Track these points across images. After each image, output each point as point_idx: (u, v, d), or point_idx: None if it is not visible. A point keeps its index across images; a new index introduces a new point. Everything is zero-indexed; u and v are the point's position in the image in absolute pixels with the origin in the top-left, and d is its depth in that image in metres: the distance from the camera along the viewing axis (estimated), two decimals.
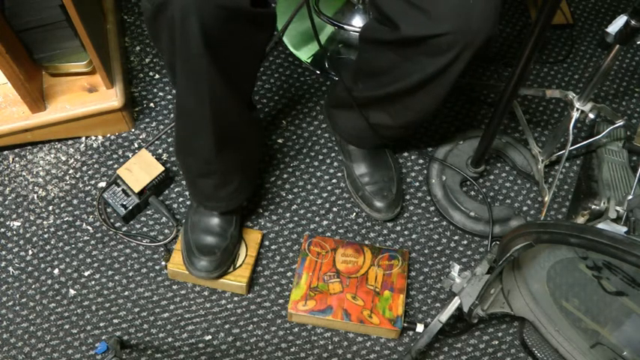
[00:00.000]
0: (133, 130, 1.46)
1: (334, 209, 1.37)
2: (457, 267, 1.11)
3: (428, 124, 1.48)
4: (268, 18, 0.99)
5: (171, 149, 1.43)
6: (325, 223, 1.35)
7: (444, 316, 1.10)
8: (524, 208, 1.38)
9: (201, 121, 1.02)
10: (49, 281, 1.28)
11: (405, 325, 1.20)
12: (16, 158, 1.43)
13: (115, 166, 1.41)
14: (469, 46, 0.94)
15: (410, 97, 1.09)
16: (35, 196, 1.38)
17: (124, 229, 1.34)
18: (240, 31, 0.93)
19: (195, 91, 0.98)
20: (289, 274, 1.30)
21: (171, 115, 1.48)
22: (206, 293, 1.27)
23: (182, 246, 1.25)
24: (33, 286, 1.28)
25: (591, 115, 1.20)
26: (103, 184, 1.39)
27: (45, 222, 1.35)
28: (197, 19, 0.85)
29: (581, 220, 1.04)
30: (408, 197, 1.39)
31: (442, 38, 0.94)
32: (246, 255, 1.28)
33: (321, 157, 1.43)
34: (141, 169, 1.33)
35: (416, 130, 1.45)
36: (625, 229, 0.94)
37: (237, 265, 1.26)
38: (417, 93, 1.07)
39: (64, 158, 1.43)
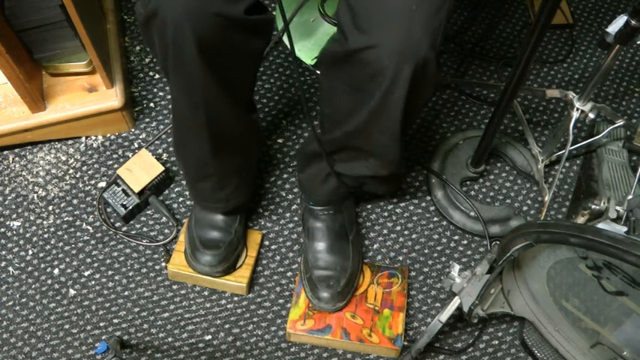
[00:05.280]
0: (133, 130, 1.46)
1: None
2: (457, 267, 1.11)
3: (428, 124, 1.48)
4: (265, 24, 0.98)
5: (171, 149, 1.43)
6: None
7: (444, 316, 1.10)
8: (524, 208, 1.38)
9: (195, 127, 1.02)
10: (49, 281, 1.28)
11: (405, 343, 1.19)
12: (16, 158, 1.43)
13: (115, 166, 1.41)
14: (404, 62, 0.87)
15: (365, 137, 1.02)
16: (35, 196, 1.38)
17: (124, 229, 1.34)
18: (236, 39, 0.92)
19: (189, 98, 0.97)
20: (289, 274, 1.30)
21: (171, 115, 1.48)
22: (206, 293, 1.27)
23: (186, 242, 1.25)
24: (33, 286, 1.28)
25: (591, 115, 1.20)
26: (103, 184, 1.39)
27: (45, 222, 1.35)
28: (190, 26, 0.84)
29: (581, 220, 1.04)
30: (407, 197, 1.39)
31: (375, 50, 0.87)
32: (246, 255, 1.28)
33: None
34: (141, 169, 1.33)
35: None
36: (625, 229, 0.95)
37: (238, 265, 1.26)
38: (370, 130, 0.99)
39: (64, 158, 1.43)
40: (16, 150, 1.44)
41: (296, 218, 1.35)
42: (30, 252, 1.31)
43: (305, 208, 1.28)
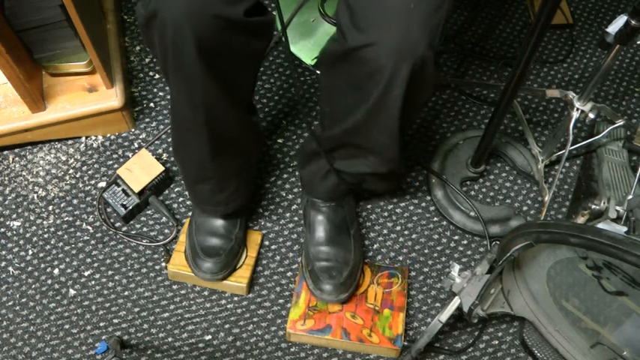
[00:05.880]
0: (133, 130, 1.46)
1: None
2: (457, 267, 1.11)
3: (428, 124, 1.48)
4: (265, 26, 0.98)
5: (171, 149, 1.43)
6: None
7: (444, 316, 1.10)
8: (524, 208, 1.38)
9: (195, 129, 1.02)
10: (49, 281, 1.28)
11: (405, 343, 1.19)
12: (16, 158, 1.43)
13: (115, 166, 1.41)
14: (402, 61, 0.86)
15: (363, 135, 1.02)
16: (35, 196, 1.38)
17: (124, 229, 1.34)
18: (235, 40, 0.92)
19: (189, 99, 0.97)
20: (289, 274, 1.30)
21: (170, 117, 1.48)
22: (206, 293, 1.27)
23: (187, 248, 1.25)
24: (33, 286, 1.28)
25: (591, 115, 1.20)
26: (103, 184, 1.39)
27: (45, 222, 1.35)
28: (190, 28, 0.84)
29: (581, 220, 1.04)
30: (407, 197, 1.39)
31: (373, 48, 0.87)
32: (246, 256, 1.28)
33: None
34: (141, 169, 1.33)
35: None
36: (625, 229, 0.95)
37: (238, 265, 1.26)
38: (369, 128, 0.99)
39: (64, 158, 1.43)
40: (16, 150, 1.44)
41: (296, 218, 1.36)
42: (30, 252, 1.31)
43: (307, 202, 1.28)
